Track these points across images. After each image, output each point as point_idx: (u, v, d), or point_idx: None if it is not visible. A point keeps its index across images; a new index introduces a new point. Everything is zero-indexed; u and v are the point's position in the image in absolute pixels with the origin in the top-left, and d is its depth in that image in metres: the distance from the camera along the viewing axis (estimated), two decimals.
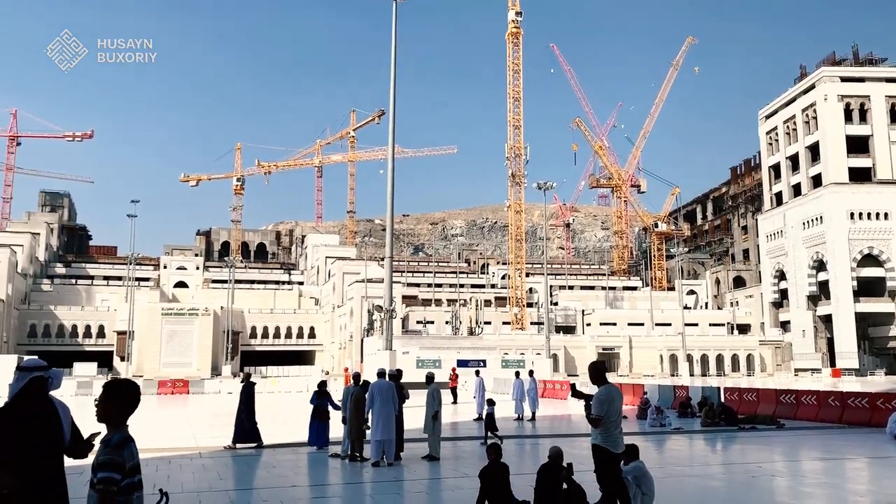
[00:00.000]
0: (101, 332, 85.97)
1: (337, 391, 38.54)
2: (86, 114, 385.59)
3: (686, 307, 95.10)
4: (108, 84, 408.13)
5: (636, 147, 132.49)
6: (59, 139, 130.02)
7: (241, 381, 17.46)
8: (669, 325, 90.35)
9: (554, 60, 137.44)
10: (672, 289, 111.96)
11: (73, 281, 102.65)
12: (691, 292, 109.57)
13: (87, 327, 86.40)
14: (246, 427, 16.49)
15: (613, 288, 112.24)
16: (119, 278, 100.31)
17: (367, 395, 14.29)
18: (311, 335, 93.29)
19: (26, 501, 4.14)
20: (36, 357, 4.95)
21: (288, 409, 32.51)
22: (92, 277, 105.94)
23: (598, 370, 8.52)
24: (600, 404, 8.18)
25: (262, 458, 15.04)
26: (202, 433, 20.36)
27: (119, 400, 4.04)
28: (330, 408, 16.42)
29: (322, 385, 17.04)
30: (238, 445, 16.28)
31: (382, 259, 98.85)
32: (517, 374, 26.43)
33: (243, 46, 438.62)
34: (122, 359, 77.43)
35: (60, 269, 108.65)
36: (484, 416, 17.81)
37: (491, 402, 17.75)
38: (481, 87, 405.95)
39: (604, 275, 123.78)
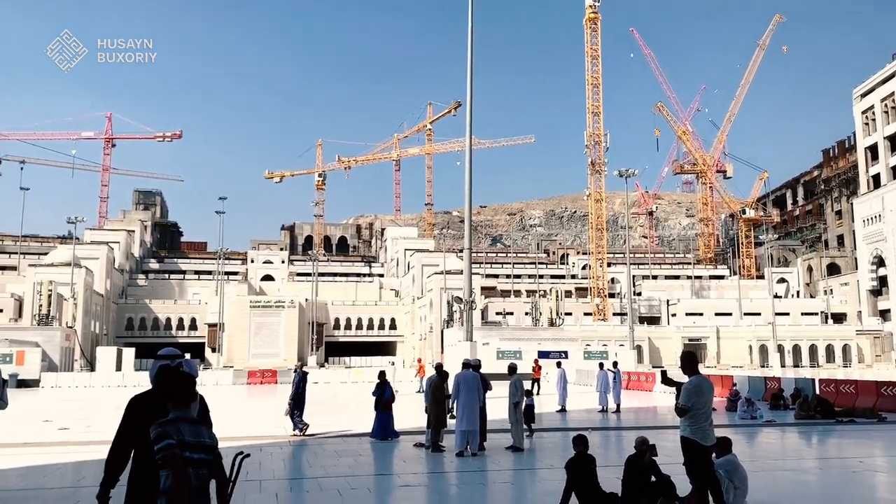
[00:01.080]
0: (194, 325, 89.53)
1: (412, 381, 39.15)
2: (175, 115, 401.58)
3: (776, 296, 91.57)
4: (195, 86, 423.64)
5: (721, 131, 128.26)
6: (151, 140, 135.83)
7: (294, 372, 18.04)
8: (759, 314, 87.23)
9: (634, 45, 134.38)
10: (761, 277, 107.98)
11: (166, 276, 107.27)
12: (782, 280, 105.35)
13: (180, 320, 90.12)
14: (294, 416, 17.20)
15: (699, 277, 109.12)
16: (209, 272, 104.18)
17: (451, 386, 14.38)
18: (392, 326, 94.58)
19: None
20: (172, 347, 5.29)
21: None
22: (184, 272, 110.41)
23: (690, 360, 8.32)
24: (688, 395, 7.98)
25: (349, 446, 15.35)
26: (290, 422, 20.91)
27: (169, 387, 4.41)
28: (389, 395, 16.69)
29: (381, 375, 17.15)
30: (295, 433, 17.09)
31: (460, 251, 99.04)
32: (601, 365, 26.07)
33: (322, 45, 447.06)
34: (214, 350, 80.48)
35: (154, 264, 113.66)
36: (523, 407, 17.57)
37: (528, 394, 17.45)
38: (559, 74, 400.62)
39: (689, 263, 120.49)
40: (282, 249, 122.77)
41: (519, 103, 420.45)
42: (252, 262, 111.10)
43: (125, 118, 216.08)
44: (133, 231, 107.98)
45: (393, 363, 47.23)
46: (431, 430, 14.64)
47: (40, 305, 67.17)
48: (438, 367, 15.79)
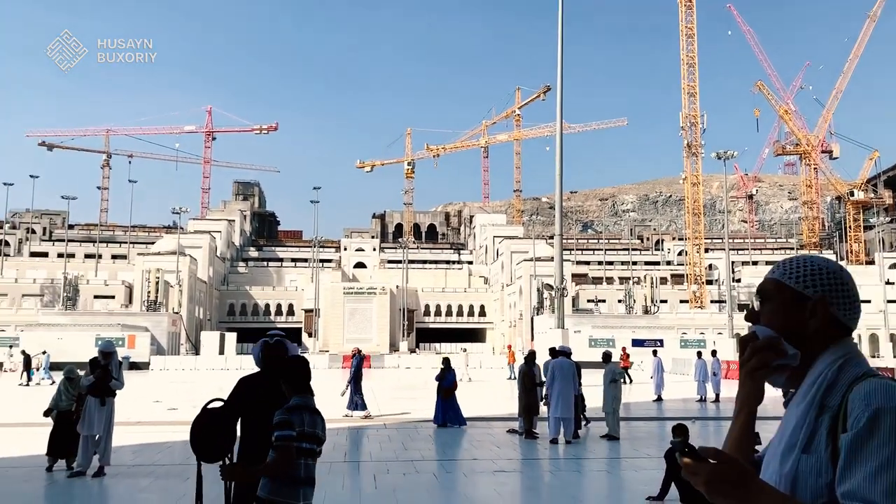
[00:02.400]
0: (291, 311, 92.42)
1: (503, 368, 39.21)
2: (271, 108, 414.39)
3: (888, 282, 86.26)
4: (290, 80, 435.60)
5: (827, 109, 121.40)
6: (249, 133, 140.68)
7: (353, 357, 18.81)
8: (868, 301, 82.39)
9: (731, 22, 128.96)
10: (871, 262, 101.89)
11: (265, 263, 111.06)
12: (894, 266, 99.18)
13: (279, 306, 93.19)
14: (355, 398, 17.66)
15: None
16: (305, 260, 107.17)
17: (546, 374, 14.26)
18: (482, 313, 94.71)
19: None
20: (278, 329, 5.52)
21: (464, 385, 33.25)
22: (281, 260, 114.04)
23: None
24: None
25: (442, 431, 15.47)
26: (385, 406, 21.30)
27: (288, 374, 4.49)
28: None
29: (445, 362, 17.05)
30: (353, 414, 17.47)
31: (550, 237, 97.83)
32: (699, 354, 25.29)
33: (410, 34, 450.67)
34: (310, 335, 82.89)
35: (253, 252, 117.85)
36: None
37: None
38: (652, 54, 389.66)
39: (792, 248, 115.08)
40: (373, 237, 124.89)
41: (610, 85, 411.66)
42: (345, 249, 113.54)
43: (224, 112, 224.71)
44: (233, 220, 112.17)
45: (465, 349, 47.46)
46: (524, 417, 14.57)
47: (149, 292, 70.87)
48: (530, 355, 15.67)
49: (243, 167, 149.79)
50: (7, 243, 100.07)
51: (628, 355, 33.48)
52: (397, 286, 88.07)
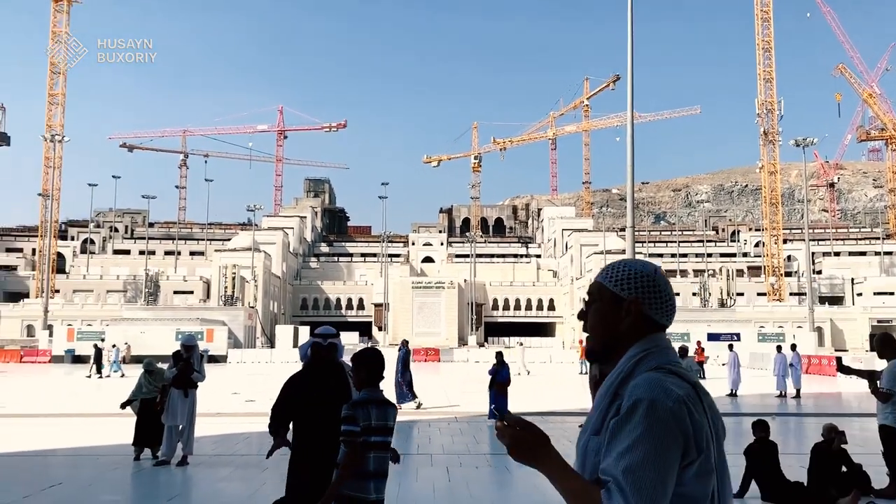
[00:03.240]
0: (361, 305, 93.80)
1: (573, 363, 38.78)
2: (340, 106, 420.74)
3: None
4: (358, 77, 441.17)
5: None
6: (318, 130, 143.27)
7: (399, 349, 19.14)
8: None
9: (810, 3, 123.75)
10: None
11: (336, 258, 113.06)
12: None
13: (349, 300, 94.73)
14: (403, 390, 17.90)
15: (889, 253, 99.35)
16: (374, 255, 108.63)
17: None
18: (551, 307, 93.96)
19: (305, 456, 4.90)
20: (328, 326, 5.60)
21: (532, 379, 33.17)
22: (351, 255, 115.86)
23: (888, 342, 7.59)
24: (893, 377, 7.26)
25: None
26: (456, 398, 21.40)
27: (363, 366, 4.48)
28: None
29: (499, 356, 16.83)
30: (402, 407, 17.29)
31: (621, 230, 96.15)
32: (778, 348, 24.46)
33: (476, 26, 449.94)
34: (380, 328, 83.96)
35: (324, 248, 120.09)
36: None
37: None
38: (726, 40, 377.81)
39: (877, 238, 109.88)
40: (440, 232, 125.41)
41: (683, 73, 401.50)
42: (413, 244, 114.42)
43: (295, 111, 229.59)
44: (305, 217, 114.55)
45: (521, 343, 47.32)
46: None
47: (225, 287, 73.07)
48: None
49: (314, 164, 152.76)
50: (92, 241, 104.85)
51: (703, 350, 32.66)
52: (465, 280, 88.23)
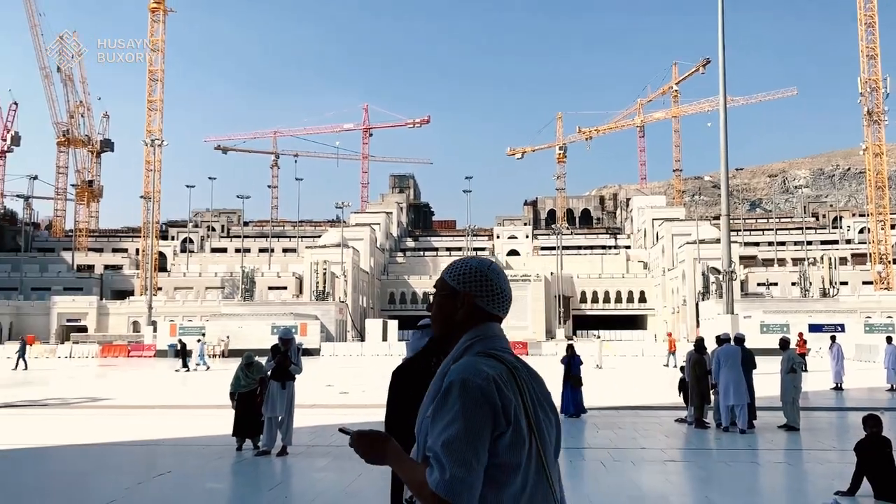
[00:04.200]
0: None
1: (661, 356, 37.79)
2: (423, 102, 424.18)
3: None
4: (440, 73, 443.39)
5: None
6: (402, 127, 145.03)
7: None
8: None
9: None
10: None
11: (421, 253, 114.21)
12: None
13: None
14: None
15: None
16: (459, 249, 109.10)
17: (712, 361, 13.68)
18: (642, 299, 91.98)
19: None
20: (427, 319, 5.62)
21: (623, 374, 32.61)
22: (436, 249, 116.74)
23: None
24: None
25: (609, 419, 15.20)
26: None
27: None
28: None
29: (570, 349, 16.41)
30: None
31: (715, 218, 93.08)
32: (889, 339, 23.13)
33: (559, 13, 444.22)
34: None
35: (410, 242, 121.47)
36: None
37: (683, 370, 15.76)
38: (824, 14, 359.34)
39: None
40: (525, 224, 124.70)
41: (777, 53, 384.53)
42: (498, 237, 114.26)
43: (379, 108, 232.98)
44: (391, 213, 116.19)
45: (599, 336, 46.29)
46: (694, 407, 14.02)
47: (317, 283, 74.97)
48: (698, 342, 15.00)
49: (398, 161, 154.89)
50: (191, 241, 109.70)
51: (805, 341, 31.26)
52: (552, 273, 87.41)
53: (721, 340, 13.95)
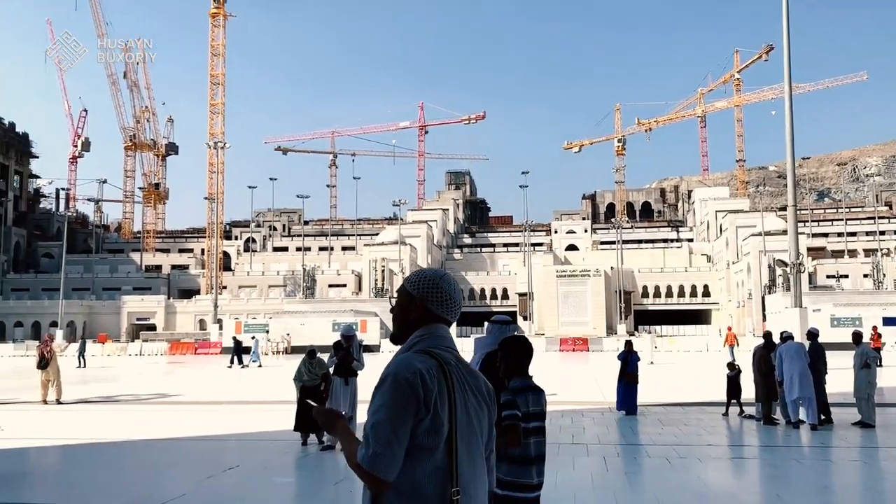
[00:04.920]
0: (505, 295, 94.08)
1: (720, 350, 36.81)
2: (478, 98, 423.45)
3: None
4: (494, 68, 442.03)
5: None
6: (458, 123, 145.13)
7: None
8: None
9: None
10: None
11: (478, 249, 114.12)
12: None
13: (493, 290, 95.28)
14: None
15: None
16: (516, 245, 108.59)
17: (775, 357, 13.30)
18: (706, 293, 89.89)
19: None
20: (503, 315, 5.67)
21: (683, 369, 32.02)
22: (493, 245, 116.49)
23: None
24: None
25: (673, 416, 14.93)
26: (608, 389, 20.98)
27: (511, 354, 4.55)
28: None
29: (628, 345, 16.02)
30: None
31: (780, 209, 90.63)
32: None
33: (614, 3, 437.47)
34: (525, 318, 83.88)
35: (467, 239, 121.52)
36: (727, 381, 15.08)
37: (731, 366, 15.20)
38: None
39: None
40: (584, 219, 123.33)
41: (845, 36, 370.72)
42: (556, 232, 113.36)
43: (435, 105, 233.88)
44: (447, 209, 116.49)
45: (650, 331, 45.31)
46: (762, 403, 13.65)
47: (375, 280, 75.80)
48: (767, 336, 14.59)
49: (454, 157, 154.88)
50: (254, 240, 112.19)
51: (879, 335, 30.12)
52: (612, 267, 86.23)
53: (784, 338, 13.57)
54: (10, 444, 12.53)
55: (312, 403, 2.83)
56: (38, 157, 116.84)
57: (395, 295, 2.72)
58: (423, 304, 2.59)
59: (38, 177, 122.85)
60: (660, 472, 9.43)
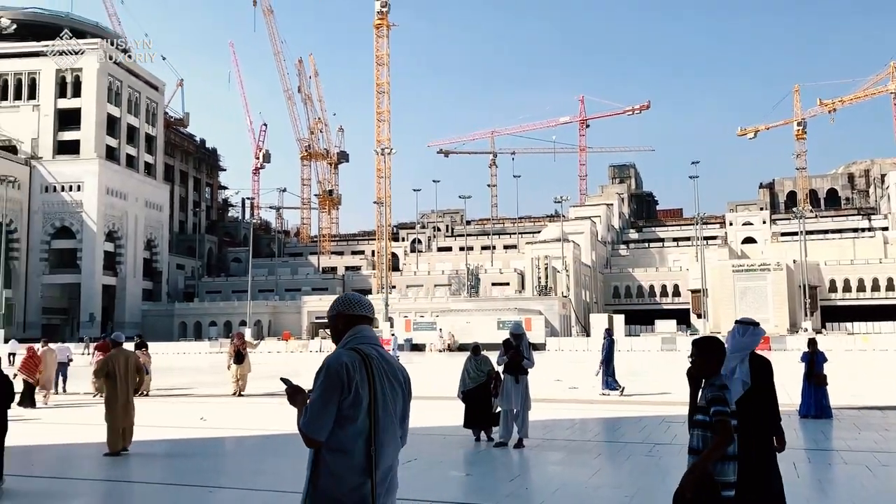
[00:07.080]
0: (676, 291, 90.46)
1: None
2: (641, 88, 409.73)
3: None
4: (658, 55, 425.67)
5: None
6: (621, 115, 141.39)
7: (604, 338, 19.87)
8: None
9: None
10: None
11: (646, 244, 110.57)
12: None
13: (663, 287, 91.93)
14: (607, 378, 18.90)
15: None
16: (687, 238, 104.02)
17: None
18: None
19: None
20: (747, 317, 5.63)
21: (882, 369, 29.28)
22: (662, 240, 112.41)
23: None
24: None
25: (871, 420, 13.72)
26: (793, 391, 19.60)
27: (710, 353, 4.62)
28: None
29: (812, 344, 14.43)
30: (609, 393, 18.53)
31: None
32: None
33: None
34: (699, 316, 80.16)
35: (633, 234, 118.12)
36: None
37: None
38: None
39: None
40: (761, 209, 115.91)
41: None
42: (731, 224, 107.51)
43: (596, 98, 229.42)
44: (611, 204, 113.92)
45: (806, 329, 40.89)
46: None
47: (538, 278, 75.58)
48: None
49: (617, 150, 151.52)
50: (419, 241, 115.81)
51: None
52: (794, 261, 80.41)
53: None
54: (210, 434, 13.78)
55: (288, 381, 3.44)
56: (225, 170, 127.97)
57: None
58: (342, 314, 3.50)
59: (225, 188, 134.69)
60: (859, 480, 8.68)
